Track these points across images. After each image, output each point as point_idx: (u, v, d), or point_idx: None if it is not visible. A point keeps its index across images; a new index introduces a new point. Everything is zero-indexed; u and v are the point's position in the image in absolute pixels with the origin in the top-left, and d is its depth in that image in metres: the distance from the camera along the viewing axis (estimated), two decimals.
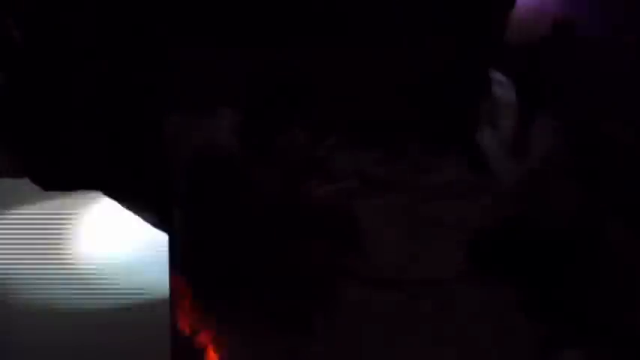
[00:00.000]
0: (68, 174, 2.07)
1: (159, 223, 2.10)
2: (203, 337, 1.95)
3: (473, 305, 1.92)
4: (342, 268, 1.91)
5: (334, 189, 1.92)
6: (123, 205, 2.12)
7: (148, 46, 1.95)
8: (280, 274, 1.93)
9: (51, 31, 1.96)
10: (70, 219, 2.78)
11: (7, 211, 2.81)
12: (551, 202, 1.97)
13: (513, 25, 1.94)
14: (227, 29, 1.90)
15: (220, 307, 1.95)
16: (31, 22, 1.98)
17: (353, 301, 1.91)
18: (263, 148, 1.89)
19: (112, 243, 2.75)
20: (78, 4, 1.95)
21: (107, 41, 1.95)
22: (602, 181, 1.98)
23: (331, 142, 1.90)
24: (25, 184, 2.13)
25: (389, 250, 1.92)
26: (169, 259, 2.06)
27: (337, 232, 1.92)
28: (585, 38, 1.97)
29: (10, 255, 2.76)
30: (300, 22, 1.87)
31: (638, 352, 1.91)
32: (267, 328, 1.92)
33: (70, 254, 2.77)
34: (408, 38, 1.87)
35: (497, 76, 1.99)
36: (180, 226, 1.98)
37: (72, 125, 2.02)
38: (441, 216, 1.93)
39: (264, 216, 1.92)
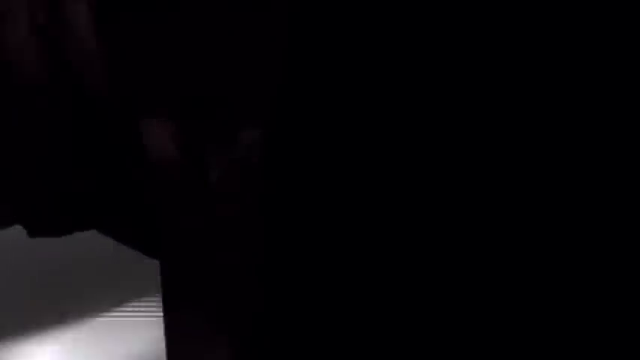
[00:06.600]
0: (58, 217, 2.05)
1: (148, 252, 2.09)
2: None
3: None
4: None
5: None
6: (113, 238, 2.12)
7: None
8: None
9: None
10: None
11: None
12: None
13: None
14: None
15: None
16: None
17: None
18: (199, 156, 1.81)
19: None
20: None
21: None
22: None
23: (250, 140, 1.83)
24: None
25: None
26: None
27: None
28: None
29: None
30: None
31: None
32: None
33: None
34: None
35: None
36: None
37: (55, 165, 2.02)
38: None
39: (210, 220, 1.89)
